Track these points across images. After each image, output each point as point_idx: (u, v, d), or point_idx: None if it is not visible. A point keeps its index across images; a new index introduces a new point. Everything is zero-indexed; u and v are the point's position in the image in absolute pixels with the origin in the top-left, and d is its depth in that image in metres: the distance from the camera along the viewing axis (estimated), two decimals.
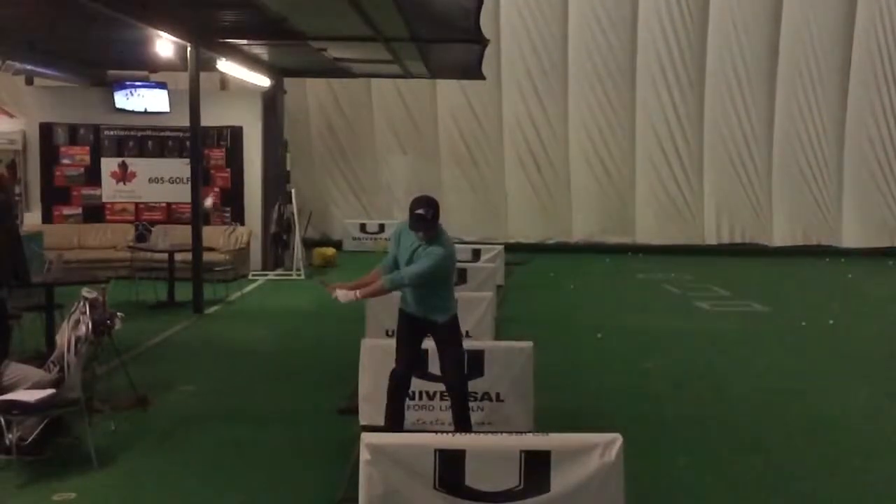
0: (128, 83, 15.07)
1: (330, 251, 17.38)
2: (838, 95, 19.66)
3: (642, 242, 19.94)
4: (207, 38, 11.71)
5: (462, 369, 6.42)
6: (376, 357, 6.85)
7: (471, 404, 6.61)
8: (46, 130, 15.39)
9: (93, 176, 15.47)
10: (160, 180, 15.45)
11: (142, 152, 15.49)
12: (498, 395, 6.75)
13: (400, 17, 9.92)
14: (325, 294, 6.34)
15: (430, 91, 19.59)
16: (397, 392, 6.38)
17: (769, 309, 13.24)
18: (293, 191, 16.09)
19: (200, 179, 12.41)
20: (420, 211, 6.02)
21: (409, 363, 6.39)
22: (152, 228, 14.65)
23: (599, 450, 4.39)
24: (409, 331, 6.37)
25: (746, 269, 17.57)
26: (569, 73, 19.59)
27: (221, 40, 12.04)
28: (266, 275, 15.31)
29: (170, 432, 6.87)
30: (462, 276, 11.01)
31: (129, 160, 15.48)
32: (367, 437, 4.44)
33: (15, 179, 15.42)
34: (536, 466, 4.38)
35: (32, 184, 15.48)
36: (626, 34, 19.38)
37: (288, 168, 17.13)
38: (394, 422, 6.30)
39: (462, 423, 6.26)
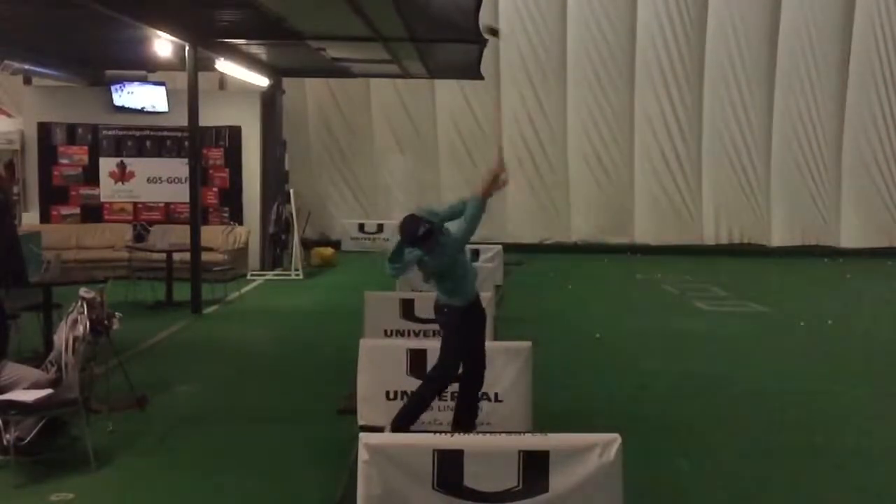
0: (126, 83, 15.07)
1: (328, 251, 17.39)
2: (837, 96, 19.69)
3: (641, 243, 19.95)
4: (206, 38, 11.70)
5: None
6: (375, 357, 6.85)
7: None
8: (45, 130, 15.39)
9: (91, 176, 15.47)
10: (158, 180, 15.45)
11: (140, 152, 15.49)
12: (496, 395, 6.74)
13: (398, 17, 9.91)
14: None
15: (428, 91, 19.60)
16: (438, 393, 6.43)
17: (768, 309, 13.23)
18: (292, 191, 16.08)
19: (199, 179, 12.40)
20: (420, 232, 6.04)
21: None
22: (150, 228, 14.62)
23: (598, 450, 4.38)
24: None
25: (745, 270, 17.58)
26: (567, 74, 19.60)
27: (220, 40, 12.03)
28: (264, 275, 15.31)
29: (168, 432, 6.86)
30: None
31: (127, 160, 15.48)
32: (365, 438, 4.43)
33: (13, 179, 15.42)
34: (535, 466, 4.37)
35: (31, 183, 15.48)
36: (625, 35, 19.41)
37: (286, 168, 17.12)
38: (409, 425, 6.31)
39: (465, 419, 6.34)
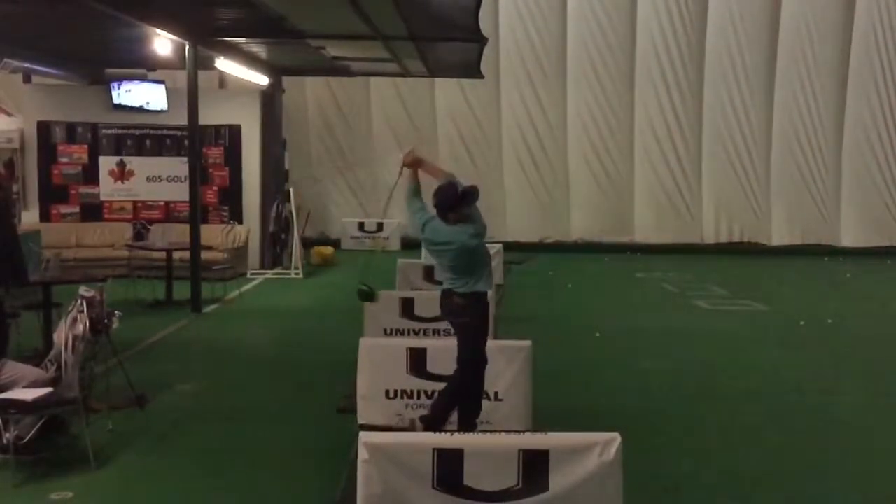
0: (125, 81, 15.05)
1: (328, 250, 17.40)
2: (837, 95, 19.68)
3: (641, 242, 19.95)
4: (205, 37, 11.69)
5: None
6: (375, 356, 6.84)
7: None
8: (44, 129, 15.36)
9: (91, 174, 15.45)
10: (158, 179, 15.44)
11: (140, 151, 15.47)
12: (496, 394, 6.73)
13: (398, 15, 9.90)
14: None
15: (428, 90, 19.59)
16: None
17: (768, 308, 13.23)
18: (291, 189, 16.08)
19: (199, 178, 12.39)
20: (460, 190, 6.28)
21: None
22: (150, 227, 14.63)
23: (598, 449, 4.37)
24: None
25: (745, 269, 17.57)
26: (567, 73, 19.59)
27: (219, 38, 12.03)
28: (264, 273, 15.30)
29: (167, 431, 6.86)
30: None
31: (127, 159, 15.46)
32: (365, 437, 4.42)
33: (13, 178, 15.41)
34: (535, 465, 4.36)
35: (30, 182, 15.46)
36: (625, 34, 19.40)
37: (286, 167, 17.11)
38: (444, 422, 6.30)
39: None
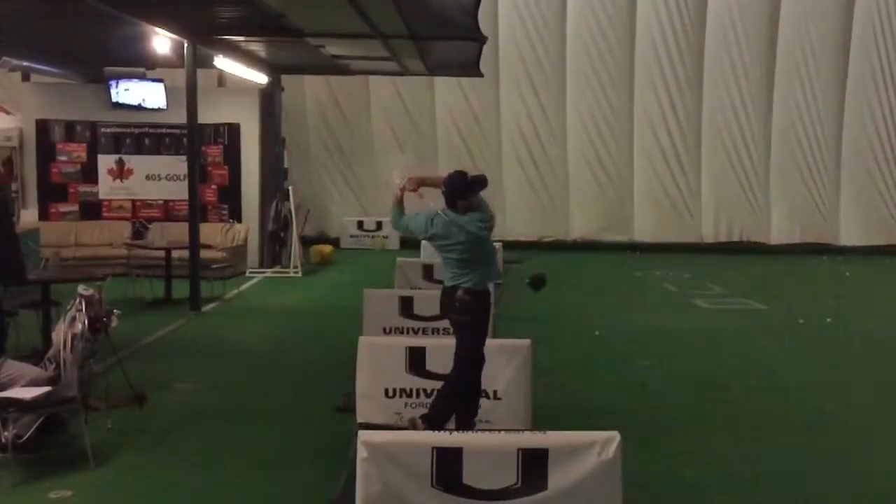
0: (124, 79, 15.03)
1: (327, 248, 17.39)
2: (836, 94, 19.68)
3: (640, 241, 19.95)
4: (204, 35, 11.68)
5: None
6: (374, 355, 6.83)
7: None
8: (43, 127, 15.35)
9: (90, 173, 15.44)
10: (157, 177, 15.43)
11: (139, 149, 15.45)
12: (496, 392, 6.73)
13: (398, 13, 9.89)
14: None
15: (428, 89, 19.58)
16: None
17: (767, 307, 13.24)
18: (290, 188, 16.07)
19: (198, 176, 12.39)
20: (469, 178, 6.34)
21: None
22: (149, 226, 14.62)
23: (597, 448, 4.37)
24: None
25: (744, 268, 17.57)
26: (567, 71, 19.59)
27: (218, 37, 12.02)
28: (263, 272, 15.30)
29: (166, 430, 6.85)
30: None
31: (126, 157, 15.45)
32: (364, 435, 4.42)
33: (11, 176, 15.40)
34: (534, 464, 4.36)
35: (29, 181, 15.45)
36: (624, 33, 19.40)
37: (285, 166, 17.10)
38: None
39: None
